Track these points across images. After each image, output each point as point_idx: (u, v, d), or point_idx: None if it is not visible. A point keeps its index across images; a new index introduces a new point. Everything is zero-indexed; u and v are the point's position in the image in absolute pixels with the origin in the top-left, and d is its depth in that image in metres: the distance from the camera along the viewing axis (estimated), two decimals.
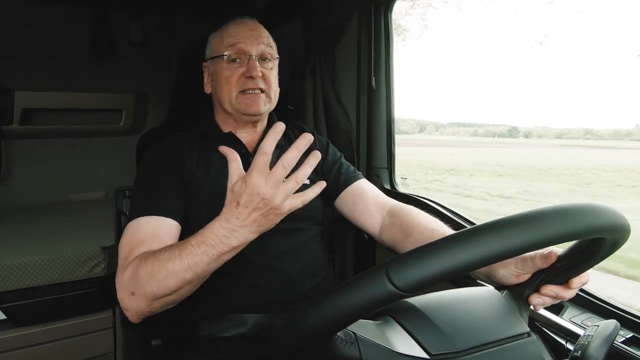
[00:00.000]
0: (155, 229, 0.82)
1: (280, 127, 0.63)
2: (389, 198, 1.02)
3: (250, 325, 0.88)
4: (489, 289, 0.63)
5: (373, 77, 1.44)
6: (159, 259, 0.71)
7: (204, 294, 0.90)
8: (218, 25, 1.04)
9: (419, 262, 0.41)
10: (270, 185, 0.62)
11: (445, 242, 0.42)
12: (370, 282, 0.41)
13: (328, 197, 1.07)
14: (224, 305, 0.89)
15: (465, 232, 0.43)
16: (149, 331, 1.05)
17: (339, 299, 0.43)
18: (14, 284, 1.27)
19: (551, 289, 0.60)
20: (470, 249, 0.41)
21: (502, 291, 0.63)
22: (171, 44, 2.03)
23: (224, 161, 0.98)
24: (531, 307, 0.62)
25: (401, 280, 0.40)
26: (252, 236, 0.67)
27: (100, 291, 1.37)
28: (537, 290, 0.61)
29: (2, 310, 1.26)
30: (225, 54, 0.95)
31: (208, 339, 0.88)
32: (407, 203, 0.99)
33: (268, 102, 0.99)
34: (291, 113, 1.53)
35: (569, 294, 0.61)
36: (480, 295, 0.60)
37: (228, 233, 0.66)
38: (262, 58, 0.97)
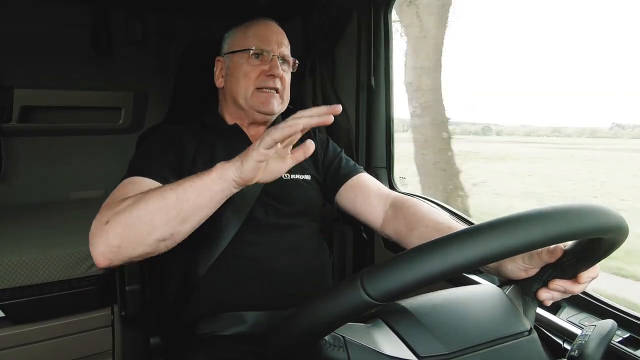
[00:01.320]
0: (148, 186, 0.79)
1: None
2: (391, 190, 1.01)
3: (249, 323, 0.88)
4: (486, 288, 0.63)
5: (372, 77, 1.44)
6: (152, 189, 0.71)
7: (202, 292, 0.90)
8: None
9: (392, 271, 0.41)
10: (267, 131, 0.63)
11: (418, 251, 0.42)
12: (346, 292, 0.42)
13: (329, 193, 1.07)
14: (223, 303, 0.89)
15: (441, 240, 0.43)
16: (147, 329, 1.05)
17: (317, 308, 0.44)
18: (12, 281, 1.26)
19: (560, 284, 0.59)
20: (446, 256, 0.41)
21: (505, 288, 0.62)
22: (171, 42, 2.03)
23: (225, 154, 0.98)
24: (540, 301, 0.61)
25: (375, 290, 0.41)
26: (232, 173, 0.66)
27: (98, 289, 1.37)
28: (545, 284, 0.61)
29: (0, 308, 1.26)
30: (252, 48, 0.97)
31: (207, 337, 0.88)
32: None
33: (281, 104, 1.01)
34: (291, 112, 1.53)
35: (578, 288, 0.60)
36: (477, 295, 0.60)
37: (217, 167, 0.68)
38: (283, 60, 0.99)
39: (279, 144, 0.64)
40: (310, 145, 0.65)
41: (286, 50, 1.01)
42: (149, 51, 2.03)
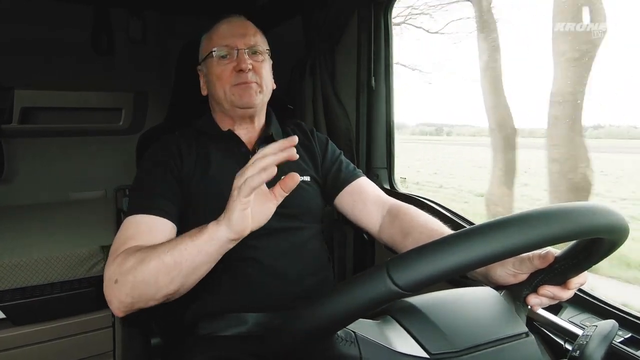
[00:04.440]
0: (151, 226, 0.83)
1: (294, 140, 0.65)
2: (389, 197, 1.02)
3: (250, 324, 0.88)
4: (487, 289, 0.63)
5: (372, 77, 1.44)
6: (150, 249, 0.72)
7: (203, 292, 0.90)
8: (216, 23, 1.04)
9: (420, 260, 0.41)
10: (239, 175, 0.65)
11: (446, 241, 0.42)
12: (372, 281, 0.41)
13: (328, 196, 1.07)
14: (224, 304, 0.89)
15: (466, 231, 0.43)
16: (148, 330, 1.05)
17: (340, 297, 0.43)
18: (13, 282, 1.26)
19: (549, 290, 0.60)
20: (471, 248, 0.42)
21: (500, 291, 0.63)
22: (171, 42, 2.03)
23: (222, 160, 0.99)
24: (529, 307, 0.62)
25: (402, 279, 0.40)
26: (223, 231, 0.69)
27: (99, 290, 1.36)
28: (535, 290, 0.61)
29: (1, 309, 1.26)
30: (214, 50, 0.96)
31: (207, 337, 0.88)
32: (406, 203, 0.98)
33: (260, 93, 0.98)
34: (291, 112, 1.53)
35: (566, 294, 0.61)
36: (479, 296, 0.60)
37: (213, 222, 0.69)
38: (252, 51, 0.97)
39: (261, 187, 0.67)
40: (294, 177, 0.68)
41: (253, 39, 0.98)
42: (149, 51, 2.03)
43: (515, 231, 0.43)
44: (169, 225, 0.85)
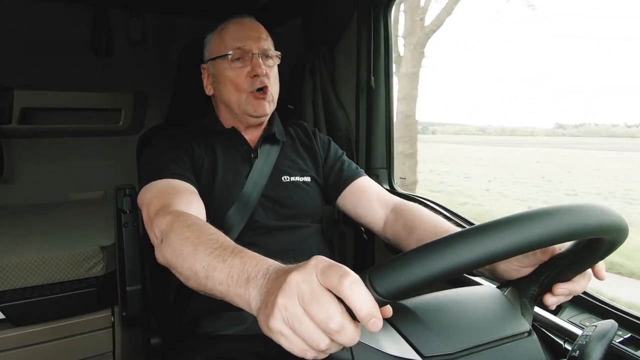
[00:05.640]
0: (182, 186, 0.83)
1: None
2: (393, 195, 1.02)
3: (250, 322, 0.88)
4: (486, 289, 0.63)
5: (372, 77, 1.44)
6: (199, 233, 0.64)
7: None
8: (218, 24, 1.04)
9: (402, 269, 0.41)
10: (301, 300, 0.40)
11: (427, 248, 0.42)
12: None
13: (330, 195, 1.07)
14: (223, 303, 0.88)
15: (449, 237, 0.42)
16: (148, 329, 1.05)
17: None
18: (12, 283, 1.26)
19: (563, 287, 0.59)
20: (455, 254, 0.41)
21: (503, 290, 0.62)
22: (170, 43, 2.03)
23: (226, 156, 0.99)
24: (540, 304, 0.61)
25: (383, 288, 0.40)
26: (254, 305, 0.53)
27: (98, 291, 1.37)
28: (547, 289, 0.60)
29: (1, 310, 1.26)
30: (229, 53, 0.96)
31: (208, 336, 0.89)
32: None
33: (272, 103, 1.00)
34: (291, 113, 1.53)
35: (580, 286, 0.60)
36: (477, 295, 0.60)
37: (252, 277, 0.54)
38: (265, 55, 0.98)
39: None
40: None
41: (266, 43, 0.98)
42: (148, 52, 2.03)
43: (503, 234, 0.42)
44: (194, 188, 0.86)
